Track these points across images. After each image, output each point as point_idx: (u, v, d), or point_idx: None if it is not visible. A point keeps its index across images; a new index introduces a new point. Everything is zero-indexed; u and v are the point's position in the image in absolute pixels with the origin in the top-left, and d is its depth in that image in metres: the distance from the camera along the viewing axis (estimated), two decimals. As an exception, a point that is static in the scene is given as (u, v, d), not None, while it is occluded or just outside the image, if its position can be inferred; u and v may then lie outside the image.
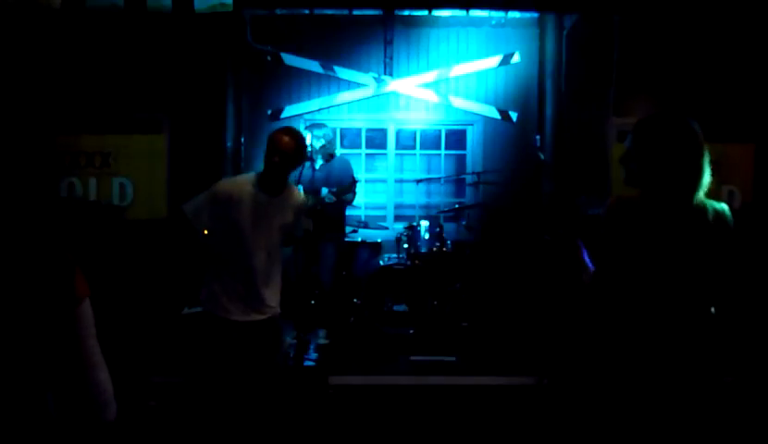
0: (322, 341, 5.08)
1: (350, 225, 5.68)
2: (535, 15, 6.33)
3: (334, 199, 5.03)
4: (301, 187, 5.06)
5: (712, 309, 2.17)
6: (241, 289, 3.05)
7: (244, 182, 3.14)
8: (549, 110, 6.21)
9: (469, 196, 6.66)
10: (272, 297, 3.15)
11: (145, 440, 3.56)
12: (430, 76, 6.51)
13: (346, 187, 5.12)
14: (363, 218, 6.31)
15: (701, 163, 2.11)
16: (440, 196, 6.75)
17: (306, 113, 6.49)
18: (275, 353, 3.30)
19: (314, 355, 4.71)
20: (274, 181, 3.10)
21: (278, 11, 6.22)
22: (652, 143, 2.12)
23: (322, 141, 5.28)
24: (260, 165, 6.50)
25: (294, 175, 5.08)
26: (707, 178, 2.12)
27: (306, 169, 4.96)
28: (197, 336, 3.97)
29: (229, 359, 3.10)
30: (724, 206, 2.17)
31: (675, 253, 2.11)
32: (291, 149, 3.05)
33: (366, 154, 6.74)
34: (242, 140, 6.33)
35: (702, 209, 2.12)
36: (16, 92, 5.59)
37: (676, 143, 2.10)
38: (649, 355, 2.15)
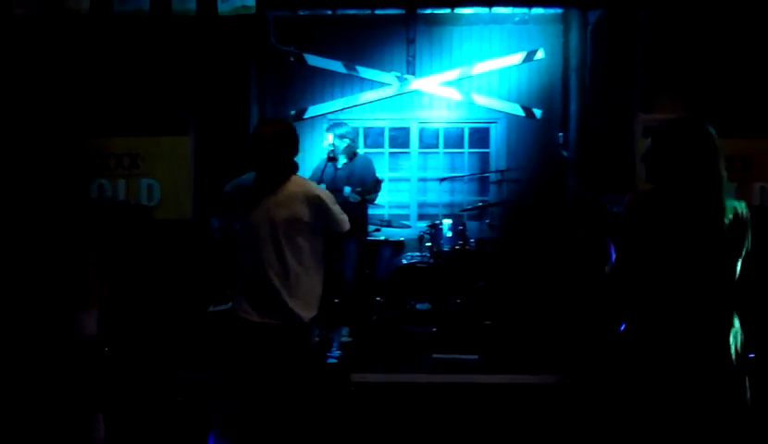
0: (345, 339, 5.10)
1: (373, 224, 5.71)
2: (559, 11, 6.28)
3: (359, 198, 5.06)
4: (323, 185, 5.10)
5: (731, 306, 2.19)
6: (257, 289, 3.00)
7: (245, 181, 3.09)
8: (573, 107, 6.16)
9: (493, 194, 6.63)
10: (297, 302, 3.01)
11: (173, 435, 3.64)
12: (453, 74, 6.50)
13: (371, 187, 5.14)
14: (386, 217, 6.33)
15: (717, 165, 2.24)
16: (464, 194, 6.73)
17: (329, 113, 6.54)
18: (294, 362, 3.09)
19: (336, 353, 4.74)
20: (265, 174, 3.01)
21: (301, 12, 6.29)
22: (670, 146, 2.28)
23: (347, 141, 5.34)
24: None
25: (317, 173, 5.15)
26: (723, 178, 2.25)
27: (329, 168, 5.01)
28: (222, 334, 4.03)
29: (247, 360, 3.06)
30: (742, 204, 2.26)
31: (691, 249, 2.19)
32: (268, 135, 2.94)
33: (390, 154, 6.76)
34: (267, 140, 6.40)
35: (719, 207, 2.21)
36: (46, 97, 5.75)
37: (692, 147, 2.24)
38: (666, 352, 2.19)
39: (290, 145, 3.04)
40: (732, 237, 2.20)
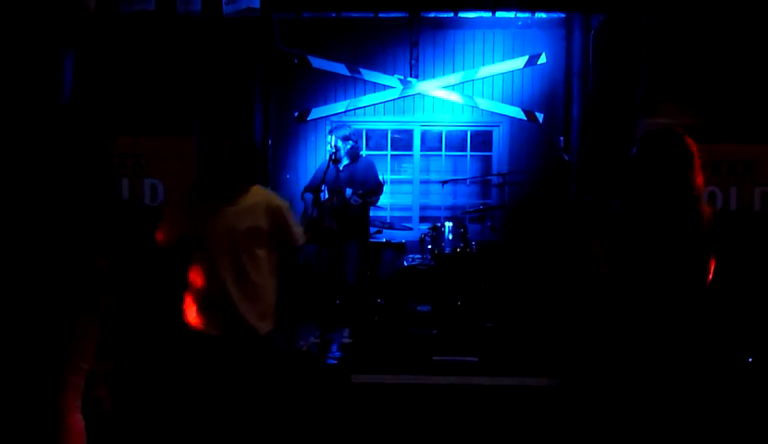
0: (346, 340, 5.12)
1: (374, 225, 5.73)
2: (561, 15, 6.30)
3: (360, 201, 5.09)
4: (325, 187, 5.13)
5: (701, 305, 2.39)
6: (214, 303, 2.94)
7: (189, 195, 3.10)
8: (575, 111, 6.18)
9: (494, 197, 6.65)
10: (254, 315, 2.98)
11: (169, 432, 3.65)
12: (456, 78, 6.53)
13: (373, 189, 5.16)
14: (388, 219, 6.35)
15: (690, 174, 2.42)
16: (466, 197, 6.75)
17: (332, 114, 6.57)
18: (253, 376, 3.06)
19: (337, 354, 4.76)
20: (225, 185, 2.99)
21: (306, 15, 6.31)
22: (647, 156, 2.47)
23: (350, 143, 5.36)
24: (287, 165, 6.56)
25: (319, 174, 5.18)
26: (697, 186, 2.43)
27: (331, 169, 5.03)
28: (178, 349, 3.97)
29: (207, 376, 3.00)
30: (707, 210, 2.47)
31: (668, 253, 2.37)
32: (227, 146, 2.96)
33: (392, 156, 6.78)
34: (270, 141, 6.43)
35: (694, 211, 2.40)
36: (56, 95, 5.77)
37: (667, 157, 2.42)
38: (654, 350, 2.33)
39: (248, 156, 3.01)
40: (705, 240, 2.37)
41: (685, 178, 2.38)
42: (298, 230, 3.21)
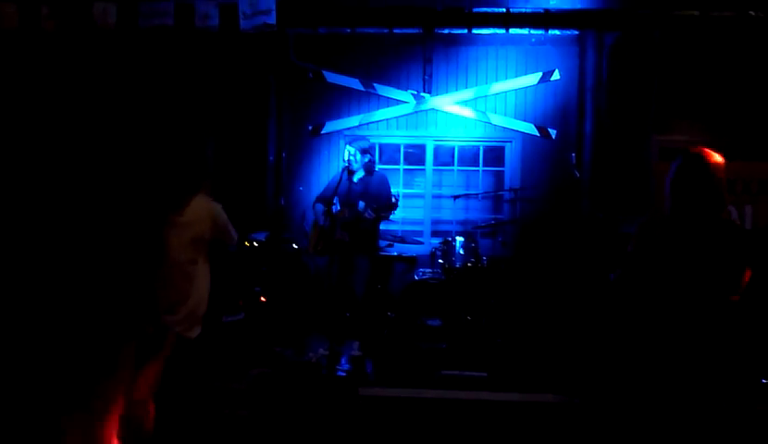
0: (355, 353, 5.14)
1: (386, 239, 5.75)
2: (575, 33, 6.33)
3: (374, 215, 5.05)
4: (336, 198, 5.16)
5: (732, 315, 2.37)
6: (168, 307, 3.09)
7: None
8: (588, 127, 6.19)
9: (506, 213, 6.65)
10: (193, 319, 3.20)
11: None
12: (469, 93, 6.57)
13: (387, 205, 5.10)
14: (399, 233, 6.37)
15: (719, 194, 2.47)
16: (478, 212, 6.76)
17: (346, 129, 6.63)
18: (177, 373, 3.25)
19: (346, 366, 4.77)
20: (173, 196, 3.13)
21: (321, 30, 6.41)
22: (679, 175, 2.52)
23: (368, 156, 5.36)
24: (301, 178, 6.60)
25: (332, 185, 5.21)
26: (723, 204, 2.50)
27: (344, 182, 5.06)
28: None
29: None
30: (736, 224, 2.66)
31: (695, 264, 2.38)
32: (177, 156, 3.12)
33: (405, 170, 6.82)
34: (284, 154, 6.51)
35: (719, 227, 2.43)
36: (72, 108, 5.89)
37: (698, 179, 2.47)
38: (672, 363, 2.33)
39: (188, 171, 3.17)
40: (729, 253, 2.38)
41: (720, 198, 2.45)
42: (234, 232, 3.44)
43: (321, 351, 4.86)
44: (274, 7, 5.13)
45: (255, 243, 5.64)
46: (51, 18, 5.23)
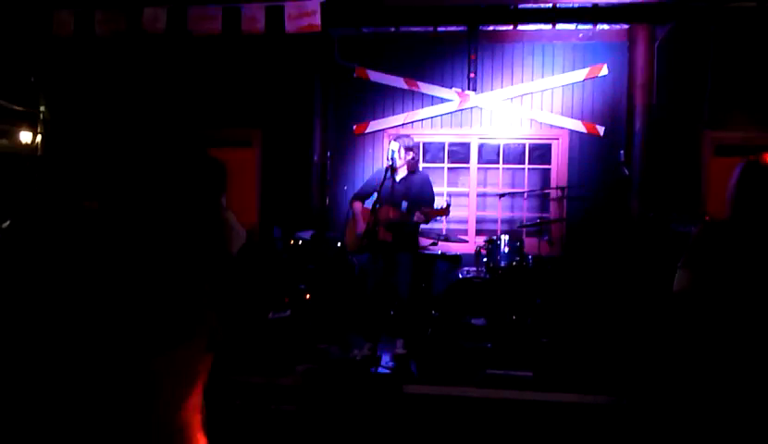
0: (399, 351, 5.15)
1: (430, 238, 5.74)
2: (625, 26, 6.19)
3: (424, 219, 4.93)
4: (374, 196, 5.13)
5: None
6: None
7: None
8: (638, 124, 6.03)
9: (552, 211, 6.56)
10: None
11: (229, 438, 3.79)
12: (515, 90, 6.50)
13: (439, 211, 4.94)
14: (444, 232, 6.36)
15: None
16: (523, 211, 6.69)
17: (390, 127, 6.65)
18: None
19: (390, 364, 4.80)
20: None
21: (365, 30, 6.45)
22: (741, 183, 2.49)
23: (412, 154, 5.31)
24: (345, 177, 6.65)
25: (372, 183, 5.21)
26: None
27: (387, 180, 5.05)
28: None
29: None
30: None
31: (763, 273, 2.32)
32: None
33: (449, 168, 6.80)
34: (329, 154, 6.57)
35: None
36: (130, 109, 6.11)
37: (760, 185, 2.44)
38: (742, 370, 2.26)
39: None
40: None
41: None
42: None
43: (366, 348, 4.90)
44: (319, 9, 5.19)
45: (301, 242, 5.73)
46: (104, 23, 5.41)
